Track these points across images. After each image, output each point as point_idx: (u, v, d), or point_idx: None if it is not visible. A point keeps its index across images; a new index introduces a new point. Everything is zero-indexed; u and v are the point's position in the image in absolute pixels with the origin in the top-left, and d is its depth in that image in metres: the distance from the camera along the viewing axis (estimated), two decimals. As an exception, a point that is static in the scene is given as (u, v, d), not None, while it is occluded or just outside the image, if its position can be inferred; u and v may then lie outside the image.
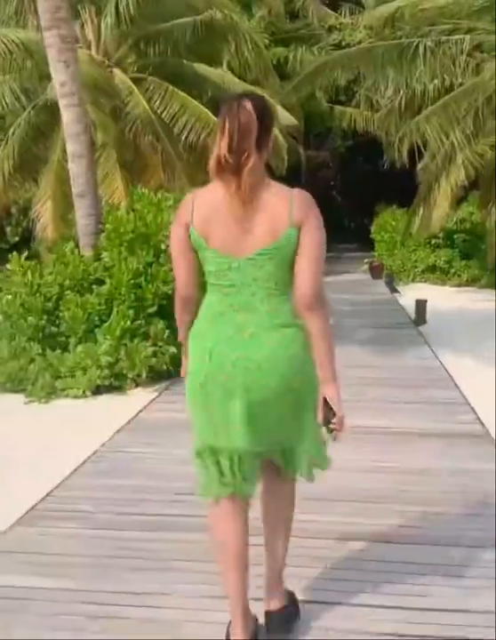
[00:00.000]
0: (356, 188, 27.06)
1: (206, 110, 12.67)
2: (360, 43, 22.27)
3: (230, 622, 2.76)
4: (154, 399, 6.69)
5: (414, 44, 11.27)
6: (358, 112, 22.37)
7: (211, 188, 2.57)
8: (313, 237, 2.51)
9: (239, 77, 14.01)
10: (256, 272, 2.53)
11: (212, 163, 2.47)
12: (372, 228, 20.64)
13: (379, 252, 20.15)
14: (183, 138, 12.49)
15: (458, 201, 16.54)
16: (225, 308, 2.57)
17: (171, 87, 12.75)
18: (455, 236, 18.71)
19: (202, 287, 2.70)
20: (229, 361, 2.53)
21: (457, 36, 11.27)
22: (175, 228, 2.63)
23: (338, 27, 22.63)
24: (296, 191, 2.55)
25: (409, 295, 16.85)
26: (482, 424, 5.84)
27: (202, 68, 13.49)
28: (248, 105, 2.43)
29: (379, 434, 5.63)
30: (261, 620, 2.86)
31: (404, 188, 24.56)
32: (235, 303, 2.56)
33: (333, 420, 2.55)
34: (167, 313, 7.52)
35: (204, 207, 2.54)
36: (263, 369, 2.52)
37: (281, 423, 2.63)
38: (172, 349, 7.20)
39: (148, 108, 12.21)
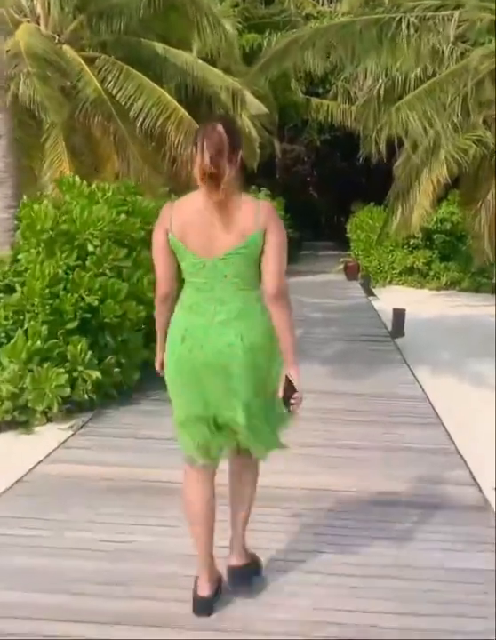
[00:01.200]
0: (333, 185, 25.74)
1: (165, 93, 11.20)
2: (338, 31, 20.93)
3: (197, 578, 3.07)
4: (64, 441, 5.17)
5: (396, 19, 9.83)
6: (336, 104, 21.01)
7: (187, 198, 2.94)
8: (275, 240, 2.83)
9: (205, 60, 12.51)
10: (226, 269, 2.85)
11: (196, 173, 2.78)
12: (348, 227, 19.26)
13: (355, 251, 18.77)
14: (139, 122, 11.01)
15: (438, 200, 15.23)
16: (199, 300, 2.89)
17: (126, 67, 11.25)
18: (435, 237, 17.36)
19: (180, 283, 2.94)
20: (199, 343, 2.85)
21: (444, 12, 9.85)
22: (156, 234, 2.93)
23: (315, 15, 21.17)
24: (261, 202, 2.93)
25: (385, 298, 15.53)
26: (478, 487, 4.43)
27: (163, 48, 11.97)
28: (219, 127, 2.79)
29: (333, 499, 4.19)
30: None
31: (381, 186, 23.21)
32: (208, 296, 2.87)
33: (293, 397, 2.85)
34: (91, 329, 6.05)
35: (182, 215, 2.87)
36: (232, 348, 2.83)
37: (250, 396, 2.89)
38: (96, 374, 5.74)
39: (100, 88, 10.70)
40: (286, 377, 2.85)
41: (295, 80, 20.32)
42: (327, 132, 21.76)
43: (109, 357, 6.05)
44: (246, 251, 2.82)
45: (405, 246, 17.66)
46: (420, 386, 7.15)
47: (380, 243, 16.18)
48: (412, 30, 9.76)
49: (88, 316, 5.94)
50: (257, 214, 2.80)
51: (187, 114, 11.03)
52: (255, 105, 14.85)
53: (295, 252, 22.95)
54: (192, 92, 11.92)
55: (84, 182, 7.07)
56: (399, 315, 9.93)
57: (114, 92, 11.13)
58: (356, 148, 20.41)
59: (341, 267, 19.13)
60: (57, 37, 11.45)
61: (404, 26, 9.74)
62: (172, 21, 11.56)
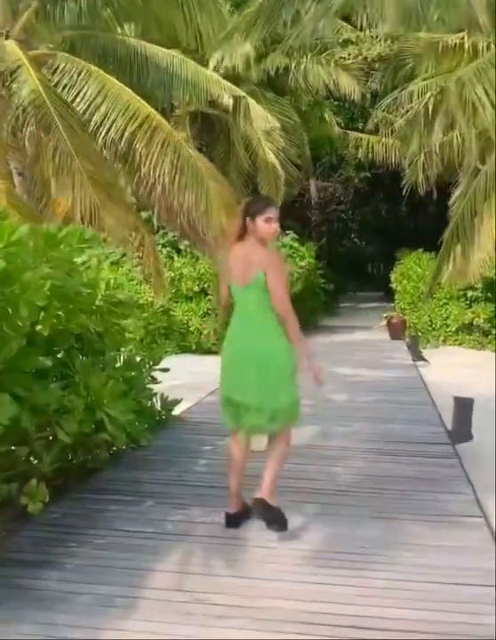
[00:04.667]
0: (375, 228, 22.27)
1: (136, 97, 7.94)
2: (380, 57, 17.67)
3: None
4: None
5: None
6: (376, 139, 17.58)
7: (233, 248, 4.02)
8: (271, 278, 3.83)
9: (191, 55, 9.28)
10: (248, 296, 3.93)
11: (232, 234, 4.06)
12: (393, 276, 15.61)
13: (400, 305, 15.07)
14: (102, 136, 7.77)
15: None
16: (238, 315, 4.02)
17: (88, 67, 8.07)
18: (498, 288, 13.60)
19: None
20: (237, 346, 3.99)
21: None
22: (222, 269, 4.19)
23: (353, 40, 17.95)
24: (266, 251, 3.94)
25: (438, 364, 11.79)
26: None
27: (142, 45, 8.79)
28: (242, 205, 4.07)
29: None
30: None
31: (431, 229, 19.57)
32: (241, 313, 4.00)
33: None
34: None
35: (231, 259, 4.01)
36: (256, 351, 3.89)
37: (269, 385, 3.88)
38: None
39: (41, 91, 7.47)
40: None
41: (330, 111, 17.02)
42: (367, 169, 18.39)
43: None
44: (256, 284, 3.85)
45: (462, 299, 13.98)
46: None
47: (430, 295, 12.53)
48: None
49: None
50: (262, 260, 3.88)
51: (165, 123, 7.73)
52: (261, 115, 11.51)
53: (332, 305, 19.36)
54: (180, 98, 8.66)
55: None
56: (464, 407, 6.23)
57: (70, 98, 7.91)
58: (400, 188, 17.00)
59: (384, 322, 15.45)
60: (5, 32, 8.34)
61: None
62: (153, 9, 8.35)
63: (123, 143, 7.63)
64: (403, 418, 6.93)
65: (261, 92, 14.30)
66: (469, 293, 13.87)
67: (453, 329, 14.06)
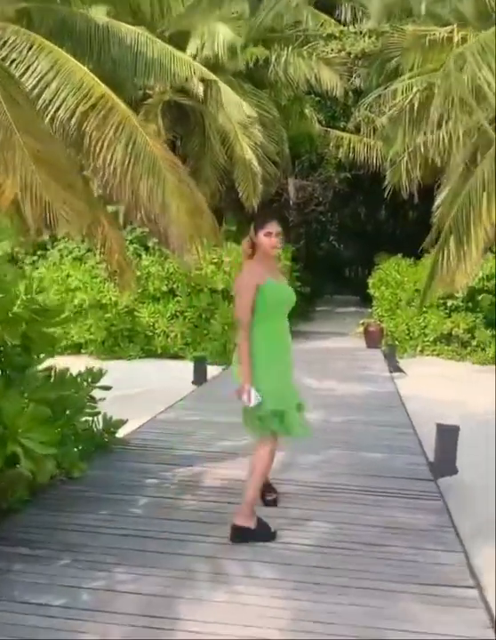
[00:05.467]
0: (354, 231, 21.49)
1: (91, 74, 7.00)
2: (364, 53, 16.83)
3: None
4: None
5: None
6: (358, 138, 16.73)
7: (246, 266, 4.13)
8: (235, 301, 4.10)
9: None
10: None
11: (244, 253, 4.15)
12: (371, 282, 14.80)
13: (378, 311, 14.26)
14: (49, 115, 6.83)
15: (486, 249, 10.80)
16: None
17: (40, 40, 7.11)
18: (480, 297, 12.83)
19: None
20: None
21: None
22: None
23: (338, 34, 17.10)
24: (241, 273, 4.13)
25: (416, 375, 11.01)
26: None
27: (106, 21, 7.85)
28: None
29: None
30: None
31: (412, 234, 18.83)
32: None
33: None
34: None
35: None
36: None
37: None
38: None
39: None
40: None
41: (311, 107, 16.15)
42: (348, 169, 17.54)
43: None
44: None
45: (442, 307, 13.20)
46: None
47: (423, 306, 11.70)
48: None
49: None
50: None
51: (122, 105, 6.80)
52: (234, 102, 10.59)
53: (307, 309, 18.53)
54: (143, 78, 7.76)
55: None
56: (448, 436, 5.40)
57: (18, 74, 6.94)
58: (380, 190, 16.19)
59: (361, 329, 14.63)
60: None
61: None
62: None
63: (73, 124, 6.67)
64: (380, 444, 6.07)
65: (239, 83, 13.39)
66: (449, 302, 13.10)
67: (431, 339, 13.28)
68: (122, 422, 5.54)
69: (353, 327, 15.73)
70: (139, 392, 9.41)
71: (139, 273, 12.75)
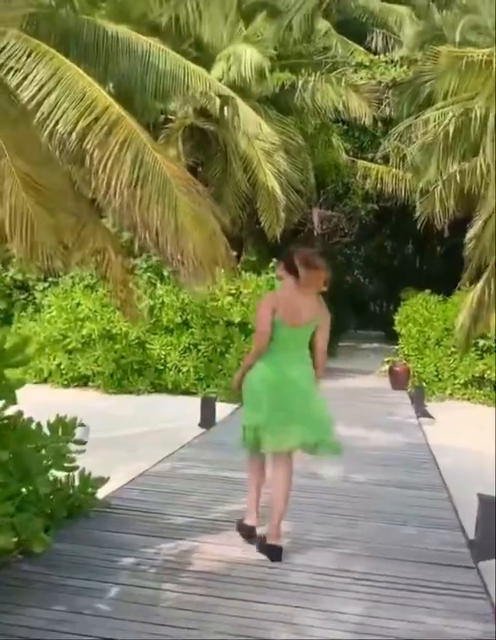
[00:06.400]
0: (380, 265, 20.58)
1: (95, 85, 6.26)
2: (394, 81, 16.09)
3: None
4: None
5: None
6: (386, 169, 15.91)
7: None
8: None
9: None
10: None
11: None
12: (397, 318, 13.81)
13: (404, 350, 13.24)
14: (47, 130, 6.10)
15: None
16: None
17: (42, 47, 6.42)
18: (515, 338, 11.80)
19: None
20: None
21: None
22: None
23: (367, 64, 16.39)
24: None
25: (445, 422, 9.98)
26: None
27: (114, 30, 7.15)
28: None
29: None
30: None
31: (440, 269, 17.96)
32: None
33: None
34: None
35: None
36: None
37: None
38: None
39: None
40: None
41: (338, 136, 15.39)
42: (375, 201, 16.69)
43: None
44: None
45: (473, 348, 12.14)
46: None
47: (466, 350, 10.71)
48: None
49: None
50: None
51: (128, 118, 6.04)
52: (252, 120, 9.80)
53: (330, 344, 17.54)
54: (154, 91, 7.00)
55: None
56: (492, 510, 4.40)
57: (14, 83, 6.23)
58: (408, 223, 15.29)
59: (386, 368, 13.62)
60: None
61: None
62: None
63: (73, 140, 5.89)
64: (408, 514, 5.07)
65: (264, 109, 12.67)
66: (481, 342, 12.08)
67: (462, 381, 12.24)
68: (103, 480, 4.63)
69: (377, 365, 14.72)
70: (140, 433, 8.51)
71: (152, 302, 11.96)
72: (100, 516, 4.51)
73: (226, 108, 8.82)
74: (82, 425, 8.78)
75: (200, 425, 8.22)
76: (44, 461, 4.10)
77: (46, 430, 4.09)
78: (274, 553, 3.98)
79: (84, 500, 4.51)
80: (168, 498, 5.07)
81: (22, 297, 13.51)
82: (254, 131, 10.10)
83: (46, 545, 3.77)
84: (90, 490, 4.55)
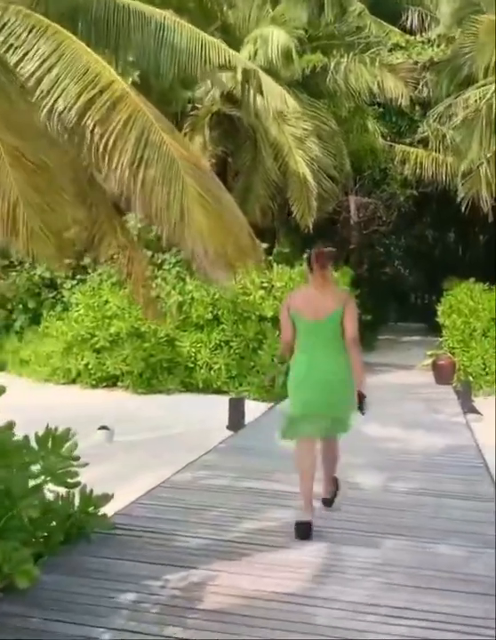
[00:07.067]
0: (420, 254, 19.67)
1: (100, 60, 5.67)
2: (432, 61, 15.20)
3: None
4: None
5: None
6: (425, 153, 15.01)
7: None
8: None
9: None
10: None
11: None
12: (440, 309, 12.99)
13: (449, 343, 12.42)
14: (46, 107, 5.53)
15: None
16: None
17: (43, 21, 5.86)
18: None
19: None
20: None
21: None
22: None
23: (403, 45, 15.54)
24: None
25: (493, 416, 9.17)
26: None
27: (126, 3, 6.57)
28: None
29: None
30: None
31: (483, 257, 17.00)
32: None
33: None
34: None
35: None
36: None
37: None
38: None
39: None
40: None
41: (374, 119, 14.59)
42: (414, 187, 15.83)
43: None
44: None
45: (523, 339, 11.29)
46: None
47: None
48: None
49: None
50: None
51: (133, 95, 5.42)
52: (277, 94, 9.09)
53: (369, 337, 16.73)
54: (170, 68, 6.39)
55: None
56: None
57: (13, 60, 5.68)
58: (450, 209, 14.42)
59: (429, 362, 12.81)
60: None
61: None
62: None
63: (72, 116, 5.32)
64: (455, 531, 4.37)
65: (294, 93, 11.97)
66: (533, 333, 11.22)
67: (511, 374, 11.40)
68: (107, 498, 4.05)
69: (420, 359, 13.91)
70: (166, 436, 7.97)
71: (181, 298, 11.43)
72: (101, 540, 3.93)
73: (248, 84, 8.18)
74: (105, 428, 8.26)
75: (228, 427, 7.62)
76: (36, 479, 3.55)
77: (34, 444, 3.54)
78: (325, 502, 4.60)
79: (86, 520, 3.94)
80: (182, 514, 4.47)
81: (51, 295, 13.11)
82: (280, 105, 9.40)
83: (32, 580, 3.21)
84: (92, 509, 3.98)
